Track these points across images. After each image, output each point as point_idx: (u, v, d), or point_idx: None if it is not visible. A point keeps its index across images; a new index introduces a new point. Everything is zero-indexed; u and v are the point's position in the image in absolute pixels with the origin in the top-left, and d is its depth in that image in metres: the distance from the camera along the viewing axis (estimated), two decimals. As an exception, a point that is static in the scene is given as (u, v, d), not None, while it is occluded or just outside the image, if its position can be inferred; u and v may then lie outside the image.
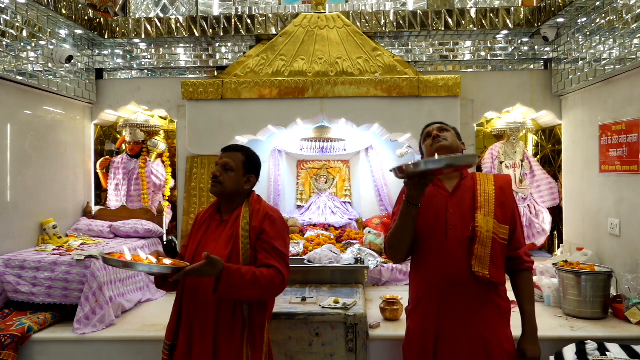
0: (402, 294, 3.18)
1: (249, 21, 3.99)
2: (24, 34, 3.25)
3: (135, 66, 4.24)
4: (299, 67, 3.88)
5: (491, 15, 3.89)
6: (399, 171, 1.86)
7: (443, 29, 3.92)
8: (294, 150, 4.46)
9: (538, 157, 4.29)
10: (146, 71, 4.27)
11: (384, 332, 2.67)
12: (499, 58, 4.12)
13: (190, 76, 4.21)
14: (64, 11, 3.47)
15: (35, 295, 2.88)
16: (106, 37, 4.00)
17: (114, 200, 4.10)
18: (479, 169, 4.17)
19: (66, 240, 3.47)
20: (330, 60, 3.88)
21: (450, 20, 3.91)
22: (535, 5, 3.97)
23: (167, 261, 2.01)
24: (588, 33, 3.46)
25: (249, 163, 2.25)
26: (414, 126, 3.82)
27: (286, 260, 2.13)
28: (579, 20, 3.57)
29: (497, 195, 2.11)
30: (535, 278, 3.15)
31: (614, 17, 3.11)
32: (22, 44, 3.24)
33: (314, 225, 4.25)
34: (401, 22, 3.95)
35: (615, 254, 3.24)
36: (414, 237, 2.12)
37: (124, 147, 4.22)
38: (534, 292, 2.18)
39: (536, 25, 3.87)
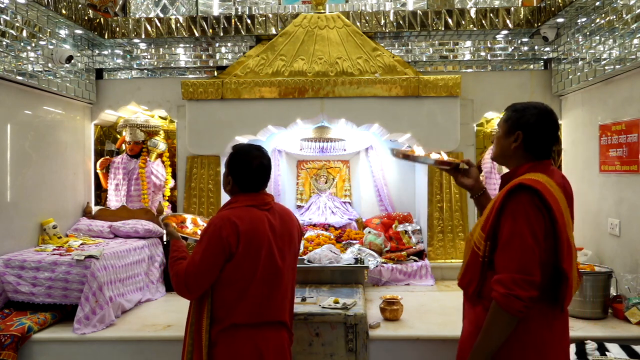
0: (402, 294, 3.19)
1: (248, 21, 3.99)
2: (24, 34, 3.24)
3: (135, 66, 4.24)
4: (299, 67, 3.88)
5: (491, 15, 3.89)
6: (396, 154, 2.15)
7: (443, 29, 3.92)
8: (293, 150, 4.46)
9: (538, 157, 4.28)
10: (146, 71, 4.27)
11: (384, 332, 2.67)
12: (499, 58, 4.12)
13: (190, 76, 4.21)
14: (64, 11, 3.47)
15: (35, 295, 2.87)
16: (106, 37, 4.00)
17: (114, 200, 4.10)
18: (479, 169, 4.16)
19: (66, 240, 3.47)
20: (330, 60, 3.88)
21: (450, 20, 3.91)
22: (535, 5, 3.97)
23: None
24: (588, 33, 3.45)
25: (228, 164, 2.19)
26: (414, 126, 3.82)
27: (189, 269, 2.00)
28: (578, 20, 3.57)
29: (494, 202, 1.87)
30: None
31: (614, 17, 3.11)
32: (22, 44, 3.24)
33: (314, 225, 4.25)
34: (401, 22, 3.95)
35: (615, 254, 3.24)
36: None
37: (124, 147, 4.21)
38: (489, 328, 1.72)
39: (536, 25, 3.86)
